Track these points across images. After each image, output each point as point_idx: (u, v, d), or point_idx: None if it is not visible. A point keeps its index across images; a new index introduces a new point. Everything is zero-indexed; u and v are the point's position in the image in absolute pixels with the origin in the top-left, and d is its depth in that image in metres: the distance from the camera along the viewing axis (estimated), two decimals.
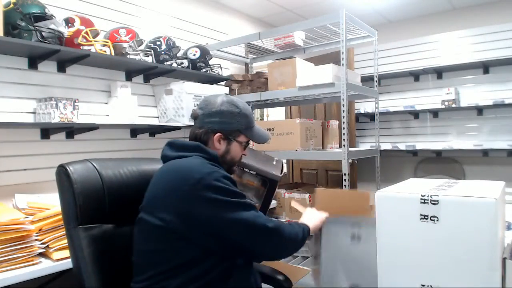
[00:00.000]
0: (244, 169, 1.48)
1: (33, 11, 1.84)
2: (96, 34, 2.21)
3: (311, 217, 1.38)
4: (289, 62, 2.67)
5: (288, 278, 1.39)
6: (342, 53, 2.27)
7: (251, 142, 1.36)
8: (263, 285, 1.32)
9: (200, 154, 1.18)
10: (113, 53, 2.27)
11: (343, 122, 2.29)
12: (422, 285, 1.01)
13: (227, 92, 2.81)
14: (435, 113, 4.02)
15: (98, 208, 0.99)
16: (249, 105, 3.13)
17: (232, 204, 1.07)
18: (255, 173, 1.47)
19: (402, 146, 4.05)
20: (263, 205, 1.49)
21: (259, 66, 3.69)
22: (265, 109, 4.60)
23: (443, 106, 3.81)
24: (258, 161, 1.52)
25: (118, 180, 1.16)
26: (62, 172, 1.03)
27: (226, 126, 1.24)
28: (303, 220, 1.36)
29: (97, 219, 1.03)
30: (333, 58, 3.11)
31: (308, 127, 2.57)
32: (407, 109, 4.05)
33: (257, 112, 4.50)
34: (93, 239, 1.03)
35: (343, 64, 2.26)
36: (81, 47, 2.09)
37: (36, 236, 1.54)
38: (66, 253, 1.57)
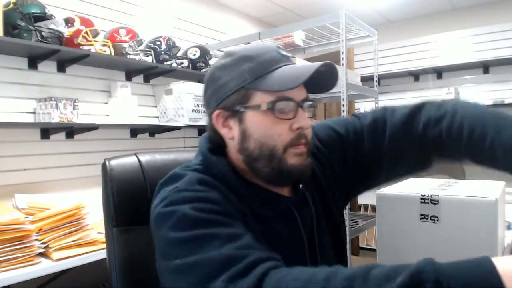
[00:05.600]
0: None
1: (33, 11, 1.84)
2: (96, 34, 2.21)
3: None
4: None
5: None
6: (342, 53, 2.27)
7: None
8: None
9: (199, 159, 0.75)
10: (113, 53, 2.27)
11: None
12: None
13: None
14: None
15: (138, 209, 0.84)
16: None
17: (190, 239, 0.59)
18: None
19: None
20: None
21: None
22: None
23: None
24: None
25: None
26: (102, 167, 0.90)
27: (221, 93, 0.71)
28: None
29: (136, 221, 0.89)
30: (333, 58, 3.10)
31: None
32: None
33: None
34: (128, 243, 0.88)
35: (343, 64, 2.26)
36: (81, 47, 2.09)
37: (36, 236, 1.54)
38: (66, 253, 1.58)
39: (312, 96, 0.77)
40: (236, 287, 0.52)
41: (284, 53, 0.73)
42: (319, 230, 0.78)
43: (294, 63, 0.72)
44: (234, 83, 0.69)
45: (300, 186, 0.78)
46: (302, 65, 0.70)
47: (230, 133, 0.72)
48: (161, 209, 0.64)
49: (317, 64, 0.67)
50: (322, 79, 0.72)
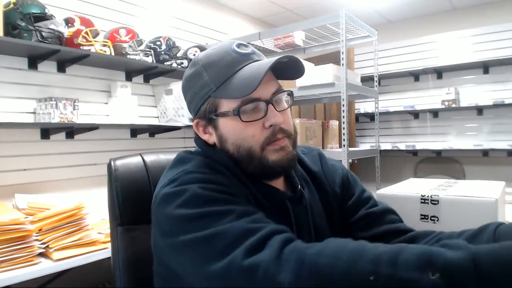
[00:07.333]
0: None
1: (33, 11, 1.85)
2: (96, 34, 2.21)
3: None
4: None
5: None
6: (342, 53, 2.27)
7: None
8: None
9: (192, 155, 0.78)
10: (113, 53, 2.27)
11: (343, 122, 2.29)
12: None
13: None
14: (435, 113, 4.02)
15: (143, 209, 0.84)
16: None
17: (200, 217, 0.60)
18: None
19: (402, 146, 4.05)
20: None
21: None
22: None
23: (443, 106, 3.81)
24: None
25: None
26: (107, 167, 0.92)
27: (195, 103, 0.76)
28: None
29: (141, 220, 0.90)
30: (333, 58, 3.11)
31: (308, 127, 2.57)
32: (407, 109, 4.05)
33: None
34: (133, 242, 0.89)
35: (343, 64, 2.26)
36: (81, 47, 2.09)
37: (36, 236, 1.54)
38: (66, 253, 1.57)
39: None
40: (256, 260, 0.52)
41: (243, 50, 0.72)
42: (316, 226, 0.77)
43: (255, 60, 0.72)
44: (202, 93, 0.72)
45: (299, 186, 0.78)
46: (258, 64, 0.69)
47: (211, 139, 0.76)
48: (170, 189, 0.65)
49: (272, 59, 0.67)
50: (290, 67, 0.72)
